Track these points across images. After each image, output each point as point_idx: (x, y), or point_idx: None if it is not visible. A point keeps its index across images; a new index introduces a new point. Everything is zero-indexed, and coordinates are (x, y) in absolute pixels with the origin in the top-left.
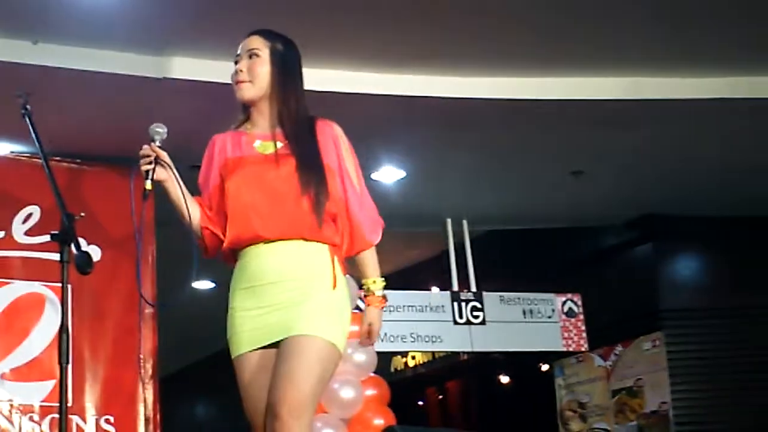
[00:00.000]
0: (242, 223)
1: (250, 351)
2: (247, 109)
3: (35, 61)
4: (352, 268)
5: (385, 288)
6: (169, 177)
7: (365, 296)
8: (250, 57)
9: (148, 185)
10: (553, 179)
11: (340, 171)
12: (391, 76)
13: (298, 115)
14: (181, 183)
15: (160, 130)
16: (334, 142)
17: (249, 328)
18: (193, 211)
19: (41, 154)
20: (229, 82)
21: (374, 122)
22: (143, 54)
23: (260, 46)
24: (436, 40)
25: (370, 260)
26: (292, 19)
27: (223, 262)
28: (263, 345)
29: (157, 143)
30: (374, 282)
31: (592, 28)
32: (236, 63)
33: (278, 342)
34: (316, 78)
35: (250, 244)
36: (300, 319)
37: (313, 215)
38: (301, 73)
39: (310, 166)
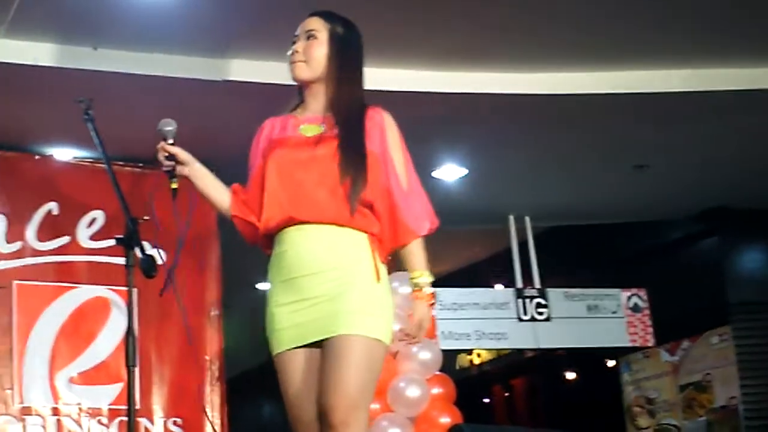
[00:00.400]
0: (275, 204)
1: (292, 349)
2: (301, 92)
3: (96, 66)
4: (399, 262)
5: (449, 285)
6: (190, 172)
7: (413, 291)
8: (308, 38)
9: (174, 184)
10: (617, 174)
11: (383, 159)
12: (450, 73)
13: (351, 101)
14: (206, 173)
15: (170, 128)
16: (381, 129)
17: (289, 324)
18: (223, 199)
19: (104, 159)
20: (287, 83)
21: (435, 120)
22: (203, 57)
23: (319, 27)
24: (495, 37)
25: (416, 252)
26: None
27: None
28: (306, 343)
29: (170, 141)
30: (421, 275)
31: (654, 22)
32: (293, 43)
33: (321, 340)
34: (377, 77)
35: (284, 227)
36: (343, 317)
37: (346, 201)
38: (360, 59)
39: (351, 151)
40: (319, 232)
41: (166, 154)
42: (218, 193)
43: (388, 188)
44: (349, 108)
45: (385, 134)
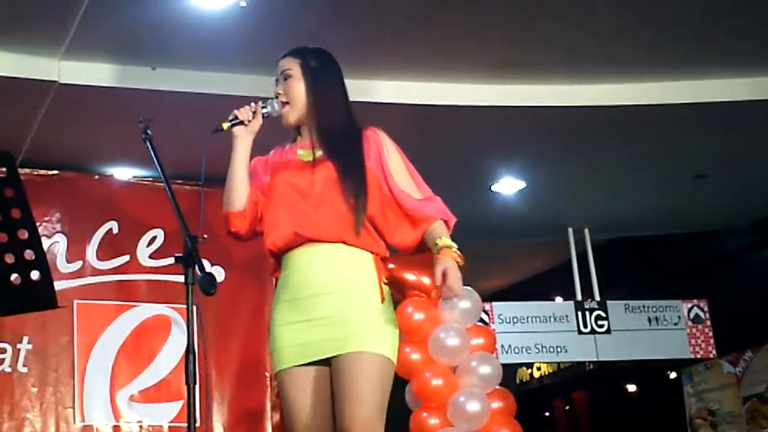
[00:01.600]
0: (281, 223)
1: (293, 367)
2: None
3: (154, 86)
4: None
5: (508, 299)
6: (242, 139)
7: (437, 252)
8: (285, 79)
9: (225, 125)
10: (676, 184)
11: (383, 174)
12: (506, 87)
13: (337, 123)
14: (247, 156)
15: (276, 106)
16: (378, 147)
17: (291, 343)
18: (243, 187)
19: (163, 178)
20: None
21: (490, 134)
22: (259, 74)
23: (292, 65)
24: (551, 49)
25: (439, 228)
26: (404, 35)
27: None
28: (310, 361)
29: (264, 111)
30: (444, 240)
31: (713, 31)
32: (276, 85)
33: (327, 359)
34: (430, 91)
35: (291, 247)
36: (352, 337)
37: (351, 219)
38: (338, 82)
39: (350, 171)
40: (325, 252)
41: (251, 112)
42: (244, 178)
43: (392, 196)
44: (339, 131)
45: (382, 151)
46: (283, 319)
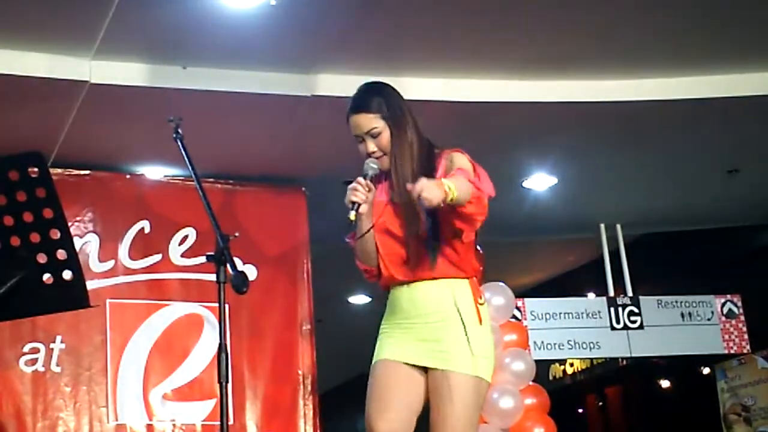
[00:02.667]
0: (384, 267)
1: (391, 360)
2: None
3: (185, 85)
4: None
5: (541, 295)
6: (368, 217)
7: None
8: (373, 137)
9: (352, 216)
10: (709, 179)
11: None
12: (538, 83)
13: (414, 160)
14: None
15: (374, 166)
16: (444, 170)
17: (393, 342)
18: (375, 253)
19: (194, 177)
20: None
21: (522, 130)
22: (291, 72)
23: (375, 124)
24: (582, 45)
25: (455, 177)
26: (435, 31)
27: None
28: (406, 361)
29: (368, 179)
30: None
31: (744, 24)
32: (361, 142)
33: (426, 367)
34: (462, 88)
35: (390, 284)
36: (450, 355)
37: (426, 256)
38: (408, 116)
39: (415, 212)
40: (416, 288)
41: (360, 189)
42: (374, 245)
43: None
44: (416, 167)
45: (446, 167)
46: (388, 332)
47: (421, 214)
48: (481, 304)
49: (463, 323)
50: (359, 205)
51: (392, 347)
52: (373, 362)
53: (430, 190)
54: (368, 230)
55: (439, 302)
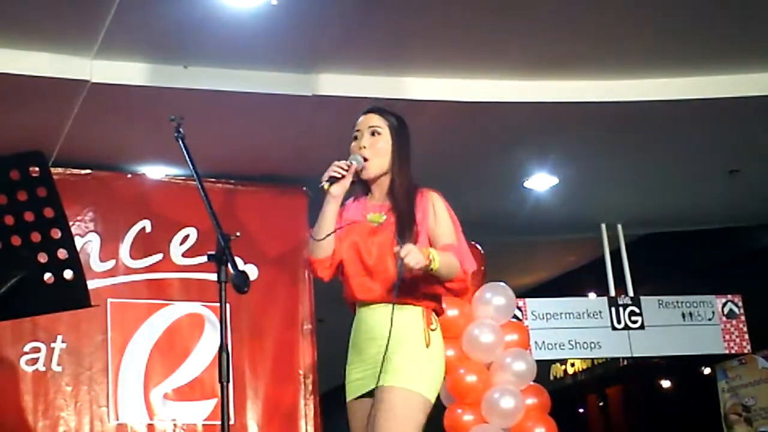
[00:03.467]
0: (348, 285)
1: (355, 399)
2: (363, 182)
3: (186, 85)
4: None
5: (542, 295)
6: (337, 198)
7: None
8: (372, 134)
9: (325, 186)
10: (710, 179)
11: (427, 236)
12: (537, 83)
13: (408, 191)
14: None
15: (360, 159)
16: (424, 212)
17: (353, 378)
18: (331, 243)
19: (196, 177)
20: (375, 96)
21: (523, 130)
22: (292, 72)
23: (381, 123)
24: (583, 46)
25: (443, 252)
26: (437, 31)
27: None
28: (361, 394)
29: (353, 167)
30: (432, 250)
31: (746, 25)
32: (355, 138)
33: (371, 391)
34: (464, 88)
35: (355, 303)
36: (390, 372)
37: (390, 283)
38: (410, 148)
39: (407, 239)
40: (378, 310)
41: (342, 169)
42: (332, 235)
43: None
44: (407, 198)
45: (427, 215)
46: (350, 359)
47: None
48: (432, 330)
49: (411, 344)
50: (336, 180)
51: (353, 384)
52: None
53: (413, 256)
54: (332, 232)
55: (401, 325)
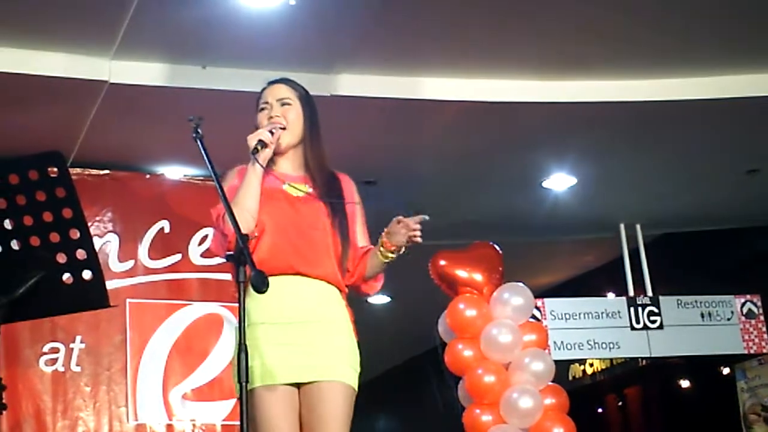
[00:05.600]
0: (276, 251)
1: (275, 385)
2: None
3: (205, 85)
4: None
5: (560, 295)
6: (261, 167)
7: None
8: (282, 105)
9: (259, 149)
10: (728, 179)
11: (354, 218)
12: (555, 83)
13: (325, 162)
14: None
15: (278, 127)
16: (351, 194)
17: (279, 362)
18: (255, 206)
19: (214, 177)
20: (392, 96)
21: (541, 130)
22: (310, 72)
23: (290, 95)
24: (600, 45)
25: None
26: (455, 32)
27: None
28: (288, 382)
29: (277, 133)
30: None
31: (764, 25)
32: (262, 110)
33: (303, 382)
34: (481, 88)
35: (278, 274)
36: (328, 365)
37: (338, 262)
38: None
39: (339, 215)
40: (314, 286)
41: (270, 132)
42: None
43: (351, 239)
44: (324, 169)
45: (354, 198)
46: (271, 339)
47: (350, 228)
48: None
49: (345, 332)
50: (265, 145)
51: (280, 368)
52: (255, 384)
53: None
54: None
55: (332, 308)
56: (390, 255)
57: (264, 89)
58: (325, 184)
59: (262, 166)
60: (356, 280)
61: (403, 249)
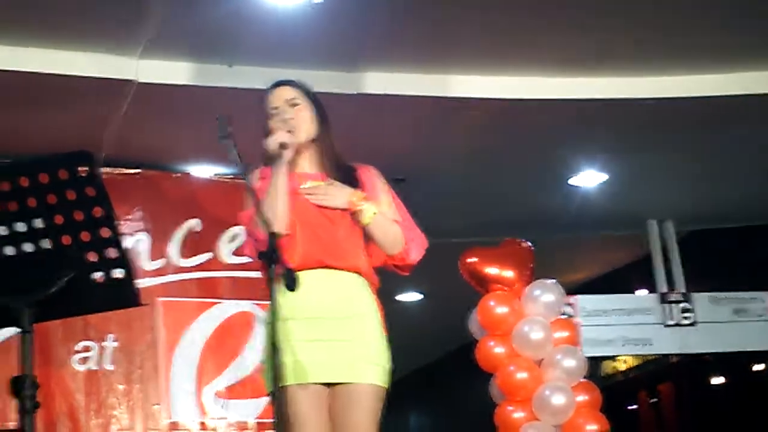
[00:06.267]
0: (306, 244)
1: (308, 384)
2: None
3: (232, 83)
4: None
5: (591, 292)
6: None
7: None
8: (292, 106)
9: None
10: (760, 175)
11: (377, 202)
12: (584, 79)
13: (340, 159)
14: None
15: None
16: (373, 184)
17: (311, 360)
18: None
19: (243, 175)
20: (420, 94)
21: (570, 127)
22: (337, 70)
23: (296, 95)
24: (629, 42)
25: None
26: (481, 29)
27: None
28: (320, 382)
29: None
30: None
31: None
32: (272, 114)
33: (334, 383)
34: (509, 85)
35: (306, 269)
36: (358, 366)
37: (367, 254)
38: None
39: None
40: (342, 278)
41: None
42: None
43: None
44: (342, 166)
45: (375, 187)
46: (300, 335)
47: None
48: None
49: (376, 329)
50: (286, 146)
51: (312, 366)
52: (286, 383)
53: (333, 197)
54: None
55: (363, 302)
56: (360, 219)
57: (268, 95)
58: (342, 177)
59: (285, 168)
60: (385, 259)
61: (357, 206)
